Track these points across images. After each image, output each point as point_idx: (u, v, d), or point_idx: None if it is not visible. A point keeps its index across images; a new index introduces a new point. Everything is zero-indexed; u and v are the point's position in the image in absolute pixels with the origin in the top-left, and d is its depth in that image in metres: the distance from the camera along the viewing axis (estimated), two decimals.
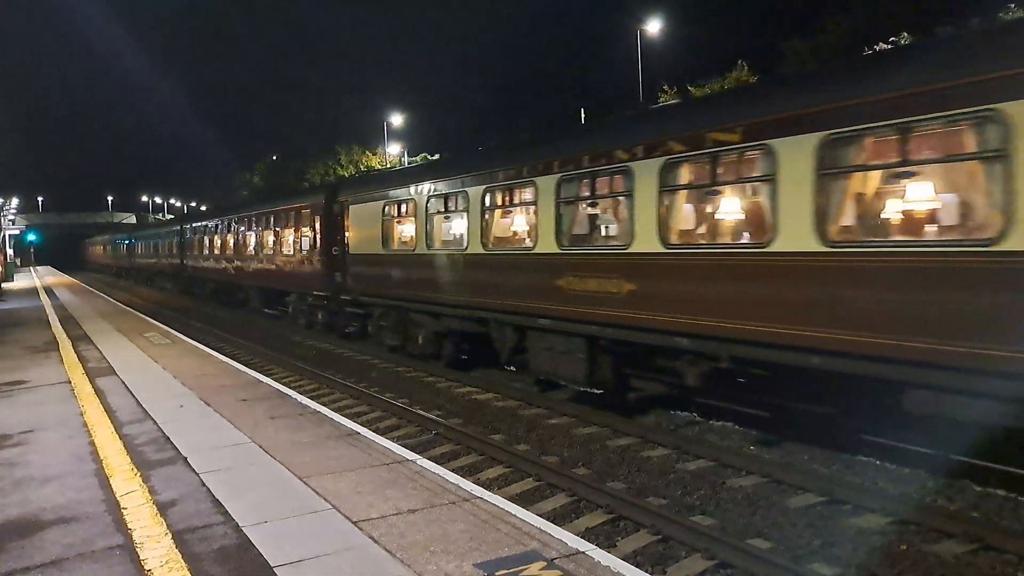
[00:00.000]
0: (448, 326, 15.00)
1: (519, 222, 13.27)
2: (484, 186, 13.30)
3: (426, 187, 15.17)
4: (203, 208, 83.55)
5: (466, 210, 13.69)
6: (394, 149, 61.57)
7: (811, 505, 7.72)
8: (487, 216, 13.26)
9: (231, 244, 30.18)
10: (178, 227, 41.21)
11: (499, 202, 13.46)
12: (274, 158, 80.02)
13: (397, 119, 58.30)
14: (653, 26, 39.35)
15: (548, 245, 11.61)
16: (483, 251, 13.18)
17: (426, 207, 14.99)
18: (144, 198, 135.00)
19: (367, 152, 65.05)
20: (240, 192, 78.95)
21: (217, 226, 32.51)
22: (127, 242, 62.57)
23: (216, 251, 32.75)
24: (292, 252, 23.01)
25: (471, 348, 15.18)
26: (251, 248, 27.48)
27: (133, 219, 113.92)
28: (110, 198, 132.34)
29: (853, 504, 7.61)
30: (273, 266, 25.00)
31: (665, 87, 38.38)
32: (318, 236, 20.73)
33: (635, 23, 39.46)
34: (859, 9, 37.03)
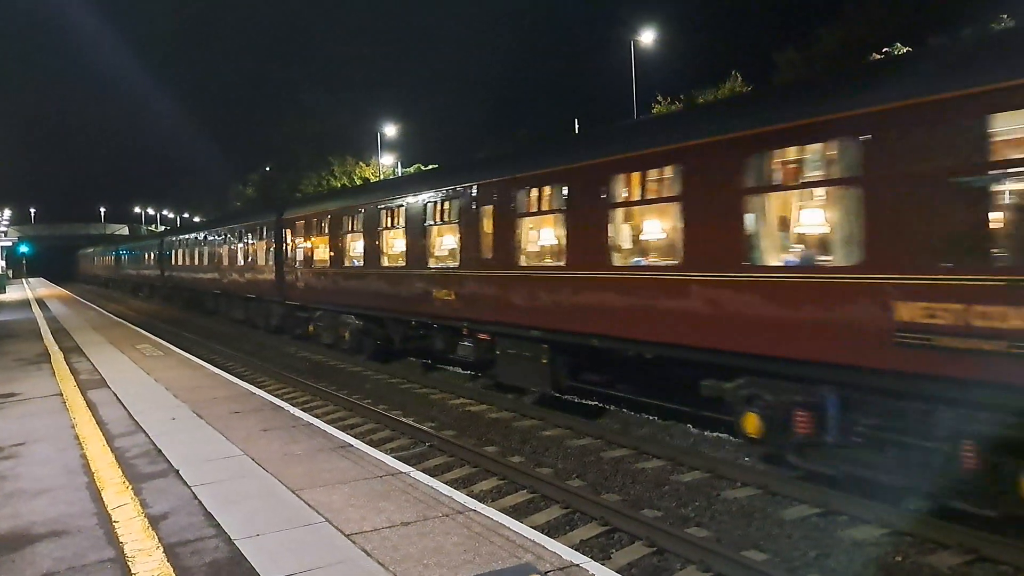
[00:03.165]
0: None
1: None
2: None
3: None
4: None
5: None
6: (387, 160, 61.60)
7: (806, 517, 7.71)
8: None
9: (444, 244, 15.23)
10: (274, 218, 24.01)
11: None
12: (267, 169, 79.98)
13: (391, 130, 58.39)
14: (647, 37, 39.68)
15: None
16: None
17: None
18: (137, 209, 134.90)
19: (360, 163, 65.04)
20: (233, 203, 78.78)
21: (388, 213, 16.75)
22: (155, 252, 44.40)
23: (380, 260, 17.01)
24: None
25: None
26: (537, 250, 12.65)
27: (126, 230, 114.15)
28: (103, 209, 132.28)
29: (849, 515, 7.60)
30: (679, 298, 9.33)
31: (659, 97, 38.66)
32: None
33: (629, 34, 39.75)
34: (852, 19, 37.36)
